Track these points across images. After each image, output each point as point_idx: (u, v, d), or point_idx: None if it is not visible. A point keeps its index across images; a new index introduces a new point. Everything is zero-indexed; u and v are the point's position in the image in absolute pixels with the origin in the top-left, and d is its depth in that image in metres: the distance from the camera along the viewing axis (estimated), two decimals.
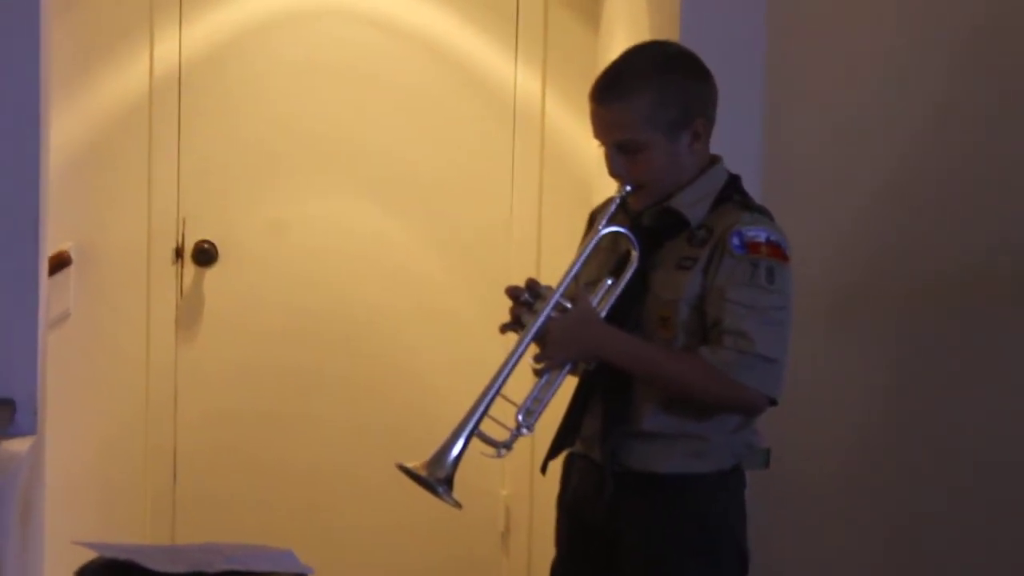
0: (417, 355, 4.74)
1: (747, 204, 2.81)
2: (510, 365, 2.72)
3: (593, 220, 2.96)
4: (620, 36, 4.15)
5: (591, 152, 4.51)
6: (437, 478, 2.64)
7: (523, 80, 4.68)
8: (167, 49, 4.57)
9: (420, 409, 4.58)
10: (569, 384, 2.90)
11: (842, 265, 3.74)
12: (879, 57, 3.75)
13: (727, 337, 2.67)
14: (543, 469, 2.97)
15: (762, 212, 2.80)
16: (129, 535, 4.58)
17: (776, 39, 3.56)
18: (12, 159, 3.03)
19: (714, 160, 2.86)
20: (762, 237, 2.72)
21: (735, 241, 2.71)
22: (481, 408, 2.69)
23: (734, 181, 2.86)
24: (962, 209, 3.77)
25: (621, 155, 2.79)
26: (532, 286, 2.79)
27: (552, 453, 2.95)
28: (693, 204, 2.80)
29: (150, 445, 4.67)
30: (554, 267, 2.86)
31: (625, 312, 2.77)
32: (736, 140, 3.03)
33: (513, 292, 2.80)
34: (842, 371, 3.76)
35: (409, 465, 2.66)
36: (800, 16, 3.69)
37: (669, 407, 2.76)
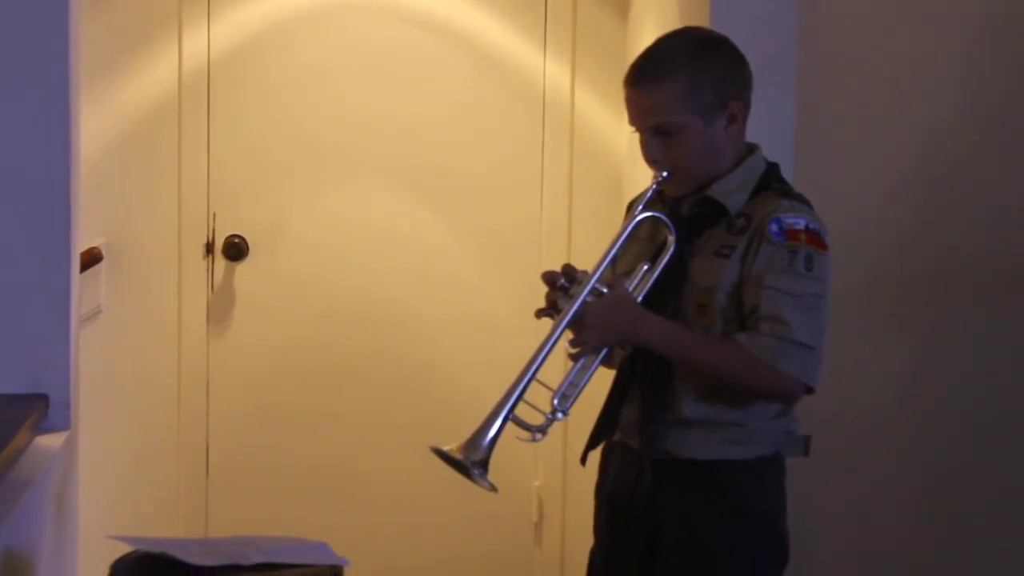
0: (448, 351, 4.74)
1: (786, 192, 2.80)
2: (546, 349, 2.70)
3: (631, 209, 2.95)
4: (649, 26, 4.13)
5: (621, 143, 4.51)
6: (472, 461, 2.62)
7: (552, 71, 4.67)
8: (196, 45, 4.58)
9: (451, 402, 4.59)
10: (608, 376, 2.90)
11: (868, 251, 3.72)
12: (911, 44, 3.74)
13: (764, 323, 2.66)
14: (583, 460, 2.97)
15: (801, 200, 2.79)
16: (163, 529, 4.60)
17: (807, 26, 3.55)
18: (43, 156, 3.03)
19: (752, 148, 2.85)
20: (801, 224, 2.71)
21: (774, 228, 2.69)
22: (517, 391, 2.67)
23: (773, 169, 2.85)
24: (988, 194, 3.75)
25: (657, 139, 2.77)
26: (568, 271, 2.78)
27: (591, 444, 2.95)
28: (732, 192, 2.79)
29: (182, 439, 4.69)
30: (584, 260, 2.85)
31: (664, 300, 2.76)
32: (768, 127, 3.01)
33: (549, 277, 2.79)
34: (872, 356, 3.76)
35: (445, 448, 2.65)
36: (832, 1, 3.68)
37: (708, 395, 2.75)
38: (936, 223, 3.77)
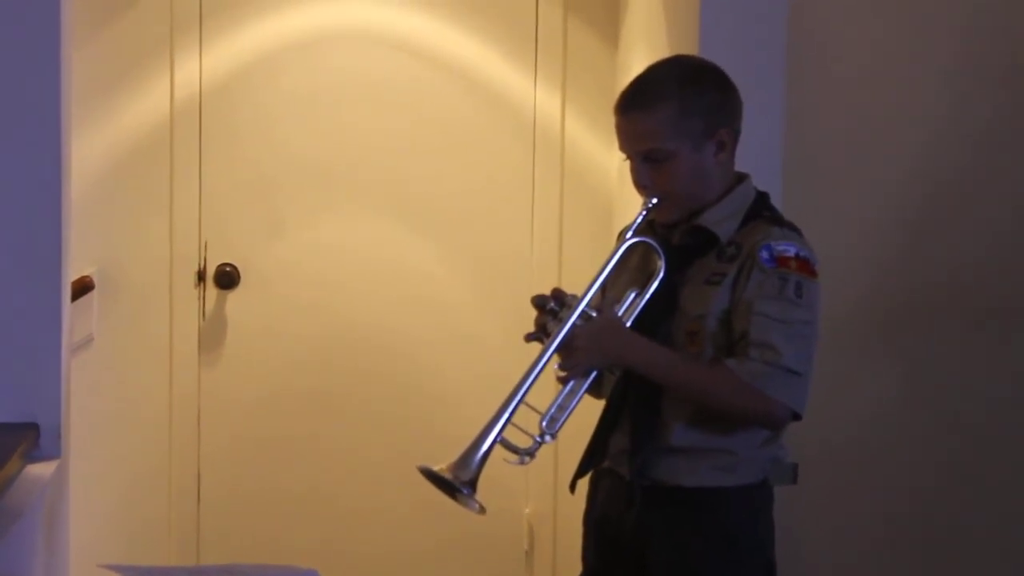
0: (439, 376, 4.74)
1: (777, 220, 2.81)
2: (536, 371, 2.71)
3: (621, 237, 2.96)
4: (639, 53, 4.15)
5: (612, 170, 4.53)
6: (461, 480, 2.62)
7: (543, 98, 4.68)
8: (187, 74, 4.59)
9: (443, 428, 4.58)
10: (597, 403, 2.91)
11: (857, 279, 3.73)
12: (900, 70, 3.75)
13: (754, 349, 2.67)
14: (572, 488, 2.97)
15: (792, 228, 2.81)
16: (154, 557, 4.59)
17: (795, 55, 3.56)
18: (34, 185, 3.04)
19: (742, 178, 2.87)
20: (792, 252, 2.72)
21: (764, 255, 2.71)
22: (507, 412, 2.68)
23: (763, 198, 2.86)
24: (977, 220, 3.76)
25: (647, 166, 2.79)
26: (558, 295, 2.79)
27: (580, 472, 2.95)
28: (722, 221, 2.80)
29: (174, 467, 4.68)
30: (575, 285, 2.86)
31: (655, 328, 2.77)
32: (756, 155, 3.03)
33: (539, 301, 2.80)
34: (862, 384, 3.76)
35: (434, 468, 2.65)
36: (819, 31, 3.69)
37: (697, 422, 2.76)
38: (925, 250, 3.78)
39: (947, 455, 3.77)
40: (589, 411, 2.88)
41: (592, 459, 2.93)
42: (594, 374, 2.79)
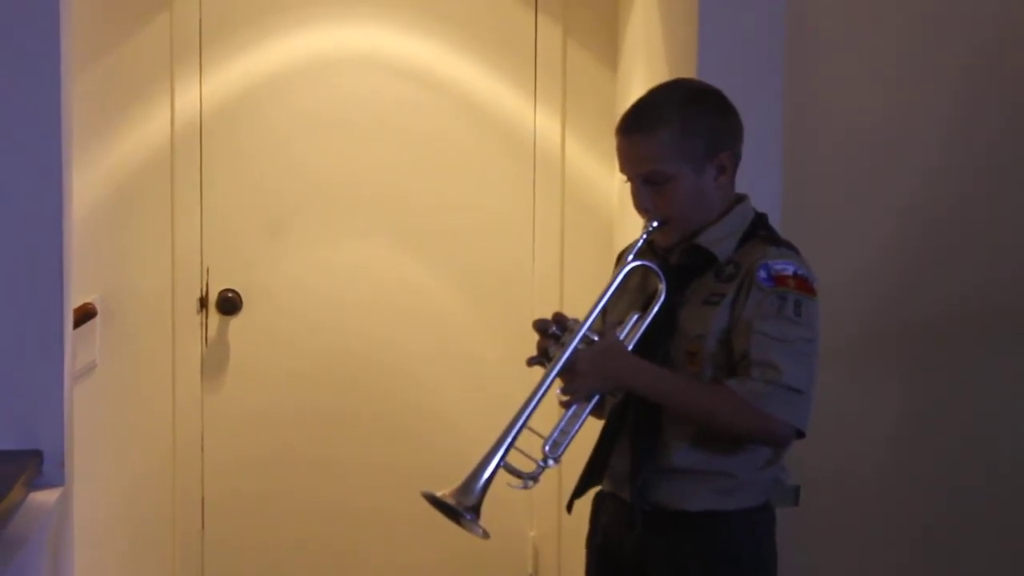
0: (441, 397, 4.74)
1: (774, 239, 2.82)
2: (538, 396, 2.72)
3: (621, 259, 2.97)
4: (638, 76, 4.16)
5: (612, 192, 4.53)
6: (465, 506, 2.62)
7: (542, 121, 4.69)
8: (188, 101, 4.60)
9: (445, 450, 4.59)
10: (597, 423, 2.91)
11: (861, 298, 3.73)
12: (900, 93, 3.76)
13: (755, 368, 2.67)
14: (569, 508, 2.96)
15: (789, 247, 2.81)
16: None
17: (794, 78, 3.57)
18: (35, 213, 3.04)
19: (740, 198, 2.87)
20: (790, 271, 2.72)
21: (762, 274, 2.71)
22: (509, 437, 2.68)
23: (761, 218, 2.87)
24: (981, 240, 3.77)
25: (647, 188, 2.80)
26: (559, 319, 2.80)
27: (578, 492, 2.94)
28: (720, 241, 2.81)
29: (178, 493, 4.68)
30: (576, 307, 2.87)
31: (654, 349, 2.77)
32: (755, 177, 3.03)
33: (540, 325, 2.81)
34: (863, 406, 3.76)
35: (437, 493, 2.65)
36: (818, 54, 3.70)
37: (698, 444, 2.76)
38: (929, 270, 3.78)
39: (950, 477, 3.77)
40: (589, 431, 2.88)
41: (590, 479, 2.93)
42: (597, 398, 2.79)
